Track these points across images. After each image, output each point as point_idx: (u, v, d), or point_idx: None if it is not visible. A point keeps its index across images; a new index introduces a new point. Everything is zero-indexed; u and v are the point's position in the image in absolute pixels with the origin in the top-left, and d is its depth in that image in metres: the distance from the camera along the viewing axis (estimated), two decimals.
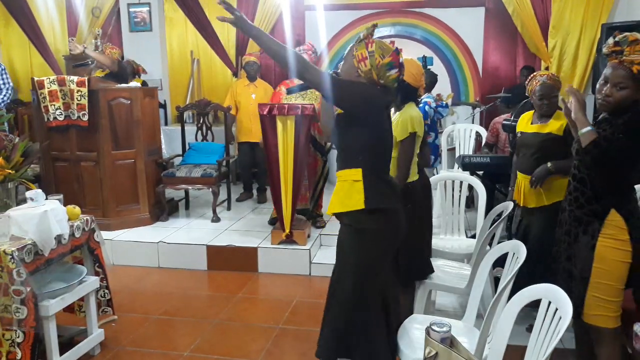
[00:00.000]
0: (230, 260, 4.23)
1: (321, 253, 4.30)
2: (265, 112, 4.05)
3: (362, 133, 2.18)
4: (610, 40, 2.13)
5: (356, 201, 2.18)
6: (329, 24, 6.55)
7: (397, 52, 2.20)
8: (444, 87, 6.57)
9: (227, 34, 6.97)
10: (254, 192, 5.82)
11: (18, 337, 2.44)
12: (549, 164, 2.88)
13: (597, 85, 2.19)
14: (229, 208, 5.34)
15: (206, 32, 6.62)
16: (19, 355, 2.46)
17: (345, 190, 2.22)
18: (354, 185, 2.19)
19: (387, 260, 2.30)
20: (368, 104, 2.17)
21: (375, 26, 2.24)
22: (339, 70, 2.29)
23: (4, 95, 5.39)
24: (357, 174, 2.19)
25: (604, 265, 2.16)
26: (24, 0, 6.99)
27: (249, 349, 3.05)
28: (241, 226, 4.78)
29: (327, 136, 3.07)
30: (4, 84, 5.37)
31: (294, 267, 4.15)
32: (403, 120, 2.69)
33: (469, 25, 6.68)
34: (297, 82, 4.56)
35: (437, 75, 5.16)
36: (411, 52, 6.46)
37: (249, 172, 5.82)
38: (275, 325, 3.32)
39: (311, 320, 3.28)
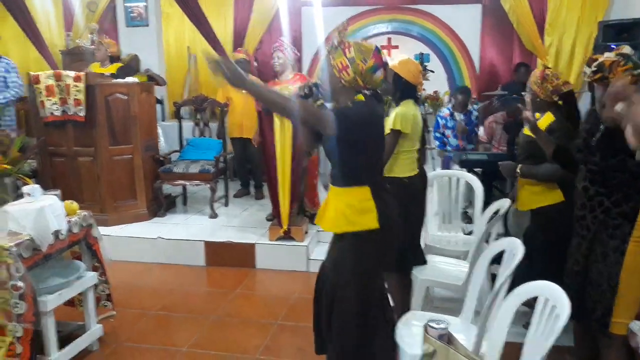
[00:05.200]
0: (228, 256, 4.24)
1: (319, 249, 4.31)
2: (262, 108, 4.04)
3: (363, 153, 2.13)
4: (588, 71, 2.13)
5: (369, 219, 2.11)
6: (326, 21, 6.54)
7: (378, 50, 2.11)
8: (441, 84, 6.59)
9: (223, 30, 6.96)
10: (251, 188, 5.81)
11: (17, 331, 2.45)
12: (519, 165, 2.88)
13: (597, 109, 2.17)
14: (226, 204, 5.34)
15: (202, 27, 6.60)
16: (18, 350, 2.47)
17: (356, 209, 2.14)
18: (364, 204, 2.12)
19: (385, 260, 2.28)
20: (365, 130, 2.11)
21: (346, 24, 2.14)
22: (319, 82, 2.20)
23: (12, 92, 5.35)
24: (365, 192, 2.12)
25: (635, 270, 2.09)
26: None
27: (247, 344, 3.06)
28: (239, 222, 4.78)
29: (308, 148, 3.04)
30: (13, 82, 5.34)
31: (291, 263, 4.16)
32: (391, 117, 2.73)
33: (466, 21, 6.68)
34: (278, 81, 4.49)
35: (469, 90, 5.37)
36: (408, 49, 6.49)
37: (244, 168, 5.81)
38: (274, 321, 3.33)
39: (309, 316, 3.25)
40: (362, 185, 2.13)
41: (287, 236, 4.21)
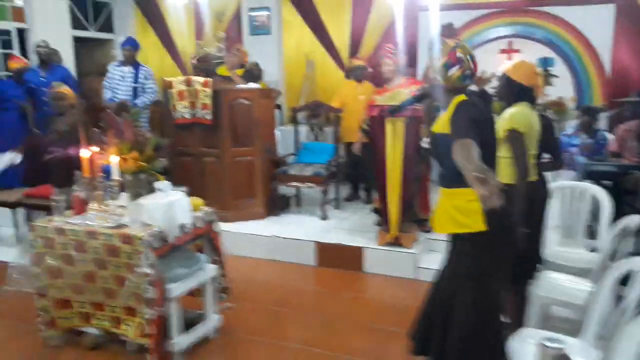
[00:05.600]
0: (338, 258, 4.32)
1: (428, 257, 4.24)
2: (375, 114, 4.08)
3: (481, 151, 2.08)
4: None
5: (475, 222, 2.11)
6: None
7: (454, 48, 2.20)
8: (566, 90, 6.17)
9: (341, 36, 7.10)
10: (361, 192, 5.86)
11: (147, 314, 2.70)
12: None
13: None
14: (337, 207, 5.44)
15: (321, 35, 6.82)
16: (147, 331, 2.72)
17: (462, 210, 2.15)
18: (471, 205, 2.12)
19: (501, 267, 2.22)
20: (476, 130, 2.09)
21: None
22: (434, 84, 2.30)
23: (149, 96, 5.96)
24: (471, 193, 2.08)
25: None
26: (159, 9, 7.67)
27: (354, 347, 3.10)
28: (348, 225, 4.85)
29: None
30: (150, 88, 5.96)
31: (399, 269, 4.14)
32: (504, 118, 2.65)
33: (596, 23, 6.20)
34: (388, 87, 4.48)
35: (596, 111, 4.99)
36: (530, 53, 6.16)
37: (355, 172, 5.87)
38: (382, 326, 3.34)
39: None
40: (468, 186, 2.09)
41: (396, 242, 4.19)
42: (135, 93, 5.91)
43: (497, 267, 2.20)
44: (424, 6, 6.69)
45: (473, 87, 3.26)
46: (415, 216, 4.56)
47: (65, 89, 4.17)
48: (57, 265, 2.87)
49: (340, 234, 4.57)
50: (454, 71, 2.17)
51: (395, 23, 6.67)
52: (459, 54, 2.21)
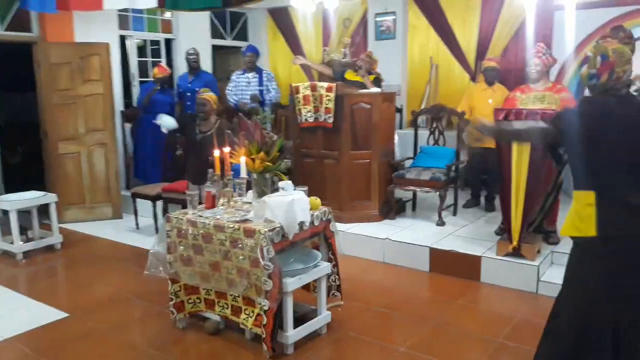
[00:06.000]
0: (452, 266, 4.24)
1: (552, 271, 4.00)
2: (501, 118, 3.94)
3: (589, 154, 2.04)
4: None
5: (588, 227, 2.03)
6: (579, 25, 5.98)
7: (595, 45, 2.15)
8: None
9: (467, 39, 6.92)
10: (482, 199, 5.68)
11: (265, 305, 2.88)
12: None
13: None
14: (454, 213, 5.33)
15: (446, 38, 6.71)
16: (264, 321, 2.91)
17: (579, 214, 2.08)
18: (586, 210, 2.05)
19: (616, 286, 2.05)
20: (587, 130, 2.04)
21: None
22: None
23: (274, 95, 6.59)
24: (588, 197, 2.04)
25: None
26: (290, 17, 8.08)
27: (464, 357, 3.04)
28: (466, 233, 4.73)
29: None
30: (273, 88, 6.60)
31: (519, 282, 3.96)
32: None
33: None
34: (533, 88, 4.32)
35: None
36: None
37: (479, 178, 5.70)
38: (494, 338, 3.23)
39: (534, 340, 3.09)
40: (587, 189, 2.05)
41: (517, 253, 4.02)
42: (262, 95, 6.50)
43: (606, 284, 2.04)
44: (559, 5, 6.29)
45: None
46: (541, 227, 4.33)
47: (210, 95, 4.59)
48: (188, 254, 3.17)
49: (457, 241, 4.48)
50: (583, 70, 2.12)
51: (527, 23, 6.35)
52: (588, 52, 2.13)
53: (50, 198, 5.11)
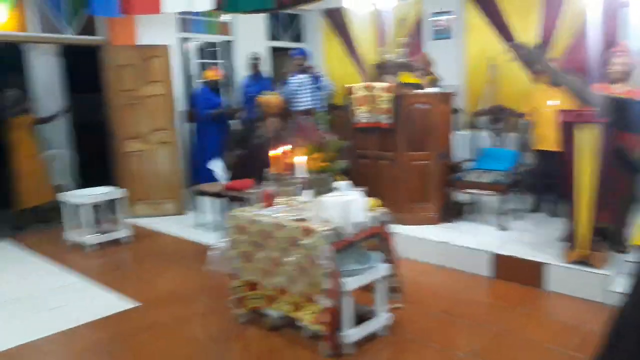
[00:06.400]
0: (514, 272, 4.10)
1: (620, 281, 3.80)
2: (565, 119, 3.78)
3: None
4: None
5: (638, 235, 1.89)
6: None
7: None
8: None
9: (528, 38, 6.70)
10: (546, 204, 5.46)
11: (325, 303, 2.88)
12: None
13: None
14: (516, 218, 5.15)
15: (506, 37, 6.52)
16: (325, 319, 2.91)
17: None
18: None
19: None
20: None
21: None
22: None
23: (327, 89, 6.68)
24: None
25: None
26: (344, 19, 8.09)
27: None
28: (528, 238, 4.56)
29: None
30: (324, 84, 6.67)
31: (585, 291, 3.77)
32: None
33: None
34: (612, 88, 4.12)
35: None
36: None
37: (543, 182, 5.49)
38: (561, 349, 3.09)
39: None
40: None
41: (584, 261, 3.83)
42: (316, 93, 6.59)
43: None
44: (625, 2, 5.99)
45: None
46: (613, 235, 4.12)
47: (269, 97, 4.67)
48: (248, 250, 3.22)
49: (519, 247, 4.32)
50: None
51: (590, 22, 6.07)
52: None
53: (120, 193, 5.38)
